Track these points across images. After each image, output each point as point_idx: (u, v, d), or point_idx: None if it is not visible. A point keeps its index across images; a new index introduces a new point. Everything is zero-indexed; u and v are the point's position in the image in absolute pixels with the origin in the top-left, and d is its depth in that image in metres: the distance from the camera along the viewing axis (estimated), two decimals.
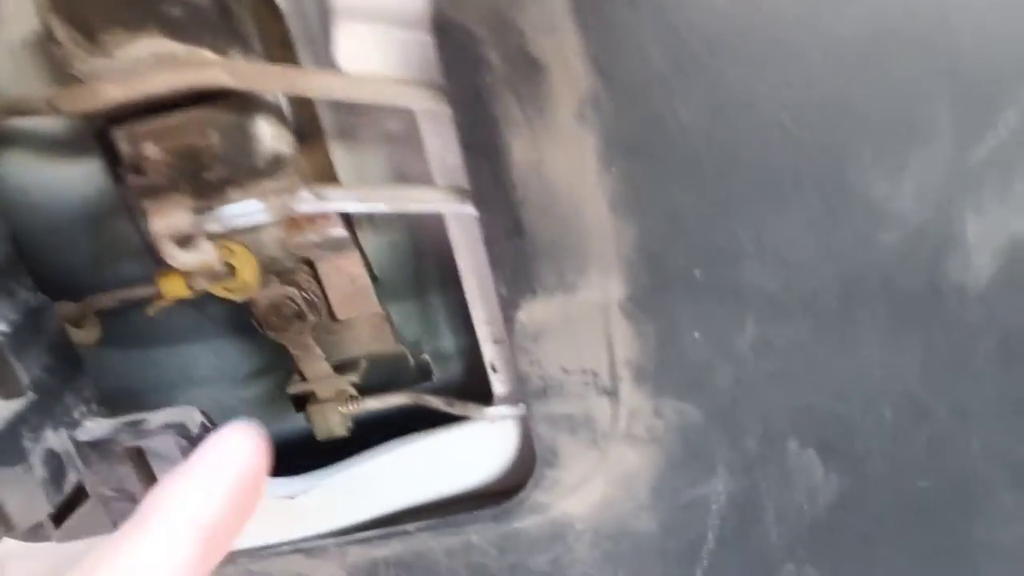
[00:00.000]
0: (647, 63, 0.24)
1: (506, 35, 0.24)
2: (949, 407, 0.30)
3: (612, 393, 0.29)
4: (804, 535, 0.32)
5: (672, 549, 0.32)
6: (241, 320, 0.38)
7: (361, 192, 0.28)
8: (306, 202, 0.27)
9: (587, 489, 0.31)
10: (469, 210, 0.27)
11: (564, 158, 0.26)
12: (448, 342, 0.40)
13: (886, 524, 0.32)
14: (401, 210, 0.28)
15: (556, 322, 0.28)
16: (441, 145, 0.28)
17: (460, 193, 0.28)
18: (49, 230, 0.34)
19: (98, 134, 0.32)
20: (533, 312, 0.28)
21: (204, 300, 0.37)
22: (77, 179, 0.33)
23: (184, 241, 0.26)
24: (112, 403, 0.31)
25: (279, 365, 0.37)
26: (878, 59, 0.25)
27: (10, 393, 0.25)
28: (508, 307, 0.28)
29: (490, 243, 0.27)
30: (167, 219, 0.26)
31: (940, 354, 0.29)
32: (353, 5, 0.27)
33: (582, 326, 0.28)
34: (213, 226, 0.28)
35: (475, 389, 0.38)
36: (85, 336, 0.31)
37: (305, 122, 0.32)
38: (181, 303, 0.32)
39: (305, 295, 0.33)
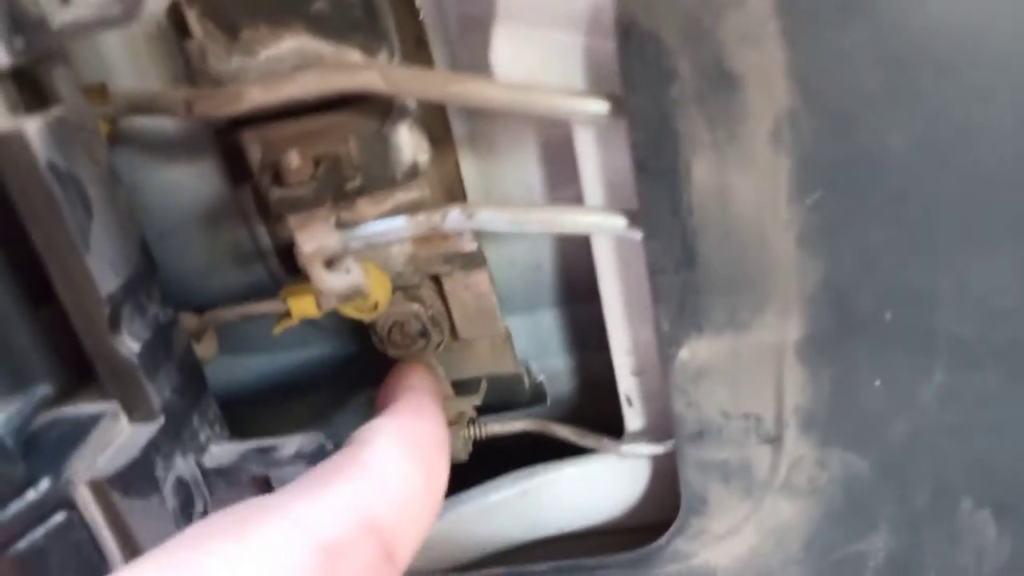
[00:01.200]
0: (858, 84, 0.22)
1: (701, 45, 0.21)
2: None
3: (775, 441, 0.27)
4: None
5: None
6: (348, 330, 0.37)
7: (513, 211, 0.25)
8: (456, 221, 0.25)
9: (735, 540, 0.29)
10: (632, 234, 0.25)
11: (752, 184, 0.23)
12: (558, 361, 0.37)
13: None
14: (556, 231, 0.26)
15: (722, 363, 0.26)
16: (600, 161, 0.26)
17: (623, 214, 0.25)
18: (160, 234, 0.32)
19: (217, 133, 0.31)
20: (697, 351, 0.25)
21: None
22: (191, 181, 0.31)
23: (332, 262, 0.24)
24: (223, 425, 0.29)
25: None
26: None
27: (143, 417, 0.24)
28: (669, 343, 0.25)
29: (656, 273, 0.25)
30: (316, 238, 0.24)
31: None
32: (516, 5, 0.24)
33: (751, 368, 0.26)
34: (355, 243, 0.26)
35: (585, 411, 0.36)
36: (204, 351, 0.29)
37: (434, 127, 0.30)
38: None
39: (429, 312, 0.31)
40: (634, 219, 0.25)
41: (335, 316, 0.35)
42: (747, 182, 0.23)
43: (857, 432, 0.26)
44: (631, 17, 0.21)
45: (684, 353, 0.25)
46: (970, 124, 0.22)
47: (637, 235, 0.25)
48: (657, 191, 0.23)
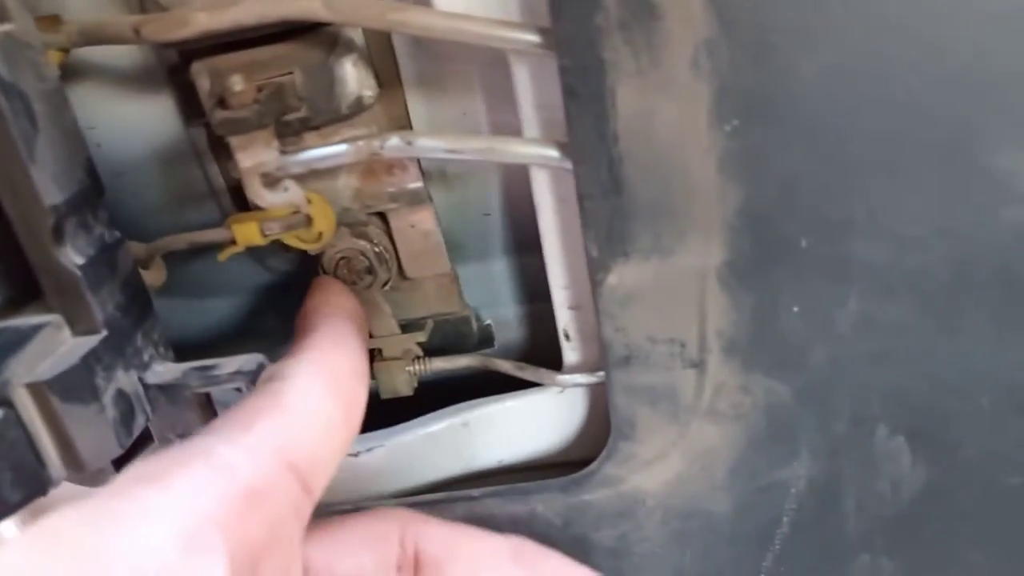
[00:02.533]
0: (773, 12, 0.23)
1: None
2: None
3: (699, 366, 0.28)
4: (884, 525, 0.31)
5: (744, 532, 0.31)
6: (303, 275, 0.37)
7: (451, 140, 0.26)
8: (395, 148, 0.26)
9: (663, 465, 0.30)
10: (564, 164, 0.26)
11: (674, 111, 0.24)
12: (509, 310, 0.38)
13: (971, 520, 0.31)
14: (492, 159, 0.27)
15: (647, 287, 0.27)
16: (536, 94, 0.27)
17: (556, 146, 0.26)
18: (114, 170, 0.33)
19: (171, 71, 0.31)
20: (624, 276, 0.27)
21: (267, 252, 0.36)
22: (145, 118, 0.32)
23: (271, 181, 0.25)
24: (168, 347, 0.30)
25: None
26: (1018, 30, 0.23)
27: (85, 330, 0.24)
28: (598, 269, 0.27)
29: (585, 199, 0.26)
30: (255, 156, 0.24)
31: None
32: None
33: (675, 293, 0.27)
34: (296, 168, 0.27)
35: (533, 358, 0.37)
36: (152, 279, 0.30)
37: (383, 67, 0.31)
38: (244, 253, 0.31)
39: (376, 249, 0.32)
40: (565, 149, 0.26)
41: (286, 258, 0.36)
42: (669, 108, 0.24)
43: (777, 358, 0.28)
44: None
45: (612, 279, 0.27)
46: (881, 54, 0.23)
47: (569, 165, 0.26)
48: (585, 118, 0.24)
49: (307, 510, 0.22)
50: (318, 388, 0.24)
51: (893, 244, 0.26)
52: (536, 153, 0.27)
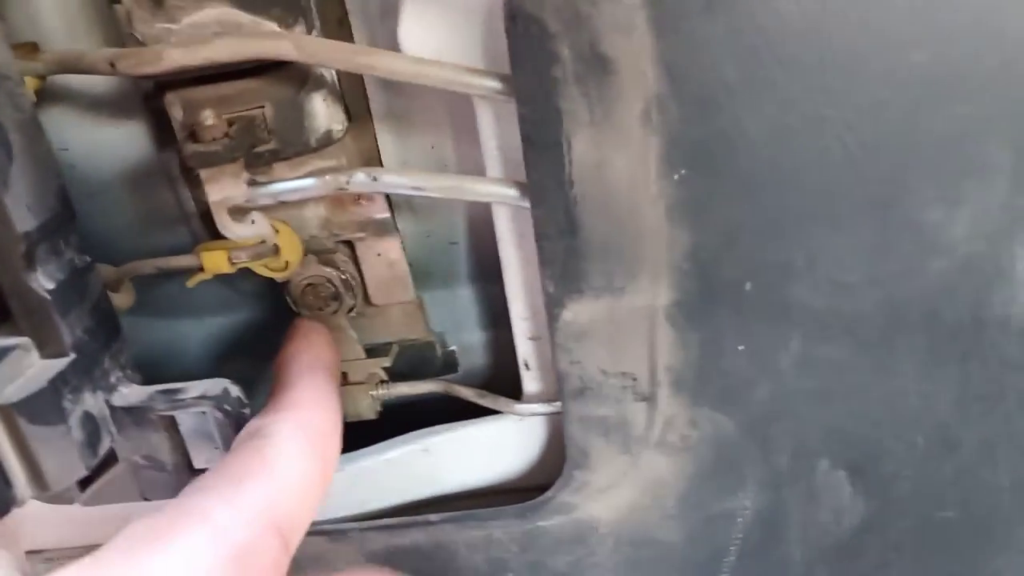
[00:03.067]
0: (717, 73, 0.24)
1: (579, 31, 0.24)
2: (979, 440, 0.30)
3: (649, 399, 0.29)
4: (826, 554, 0.32)
5: (693, 560, 0.32)
6: (270, 297, 0.38)
7: (416, 177, 0.28)
8: (361, 183, 0.27)
9: (615, 493, 0.31)
10: (523, 203, 0.27)
11: (626, 160, 0.25)
12: (473, 336, 0.39)
13: (907, 550, 0.32)
14: (456, 197, 0.28)
15: (600, 323, 0.28)
16: (498, 137, 0.28)
17: (515, 186, 0.28)
18: (87, 192, 0.33)
19: (145, 98, 0.32)
20: (578, 312, 0.28)
21: (236, 275, 0.37)
22: (118, 142, 0.33)
23: (238, 213, 0.26)
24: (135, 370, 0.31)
25: None
26: (947, 95, 0.25)
27: (53, 353, 0.25)
28: (554, 304, 0.28)
29: (541, 239, 0.27)
30: (224, 189, 0.25)
31: (976, 387, 0.29)
32: None
33: (626, 329, 0.28)
34: (264, 200, 0.28)
35: (496, 385, 0.38)
36: (120, 301, 0.31)
37: (354, 102, 0.32)
38: (213, 277, 0.32)
39: (343, 276, 0.33)
40: (525, 191, 0.27)
41: (256, 282, 0.37)
42: (621, 158, 0.25)
43: (724, 394, 0.29)
44: (518, 3, 0.24)
45: (567, 314, 0.28)
46: (819, 114, 0.25)
47: (528, 204, 0.27)
48: (542, 163, 0.26)
49: (285, 567, 0.23)
50: (301, 450, 0.25)
51: (830, 289, 0.27)
52: (497, 192, 0.28)
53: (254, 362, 0.40)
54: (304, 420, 0.26)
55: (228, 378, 0.28)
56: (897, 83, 0.24)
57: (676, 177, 0.25)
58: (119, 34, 0.30)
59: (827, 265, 0.27)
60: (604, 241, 0.27)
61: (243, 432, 0.26)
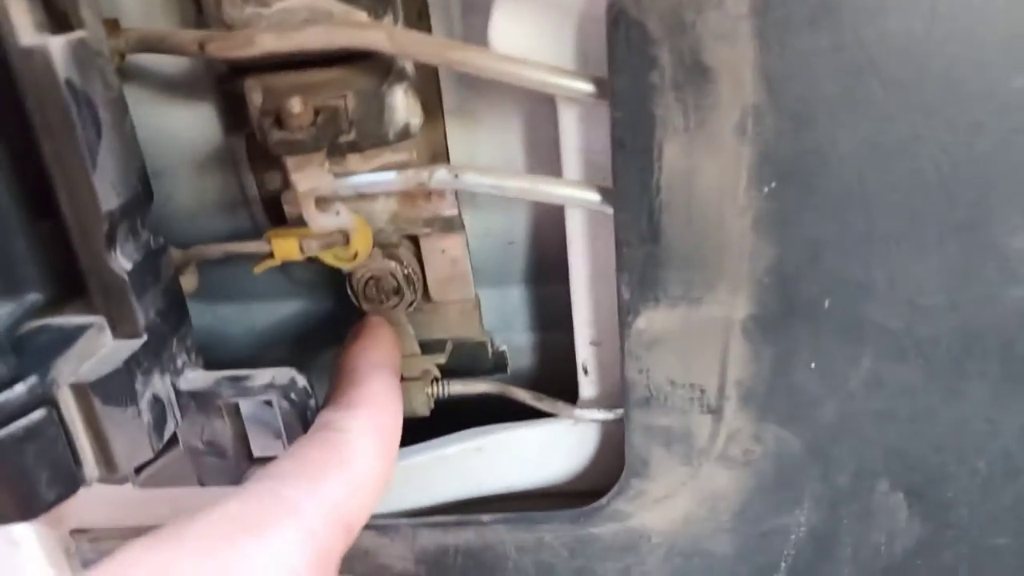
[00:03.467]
0: (817, 87, 0.24)
1: (682, 38, 0.24)
2: None
3: (716, 411, 0.29)
4: None
5: (742, 574, 0.32)
6: (324, 286, 0.38)
7: (496, 176, 0.27)
8: (441, 180, 0.27)
9: (671, 504, 0.31)
10: (604, 208, 0.27)
11: (716, 169, 0.25)
12: (522, 337, 0.39)
13: (960, 575, 0.32)
14: (533, 198, 0.28)
15: (674, 333, 0.28)
16: (581, 139, 0.28)
17: (596, 189, 0.27)
18: (153, 172, 0.33)
19: (217, 80, 0.32)
20: (652, 320, 0.28)
21: (295, 264, 0.36)
22: (186, 124, 0.33)
23: (323, 203, 0.26)
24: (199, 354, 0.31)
25: None
26: None
27: (128, 333, 0.25)
28: (627, 311, 0.28)
29: (622, 244, 0.27)
30: (311, 179, 0.25)
31: None
32: None
33: (699, 341, 0.28)
34: (345, 191, 0.27)
35: (541, 387, 0.38)
36: (186, 284, 0.31)
37: (426, 96, 0.32)
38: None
39: (405, 271, 0.33)
40: (606, 195, 0.27)
41: (313, 270, 0.37)
42: (711, 167, 0.25)
43: (791, 410, 0.29)
44: (621, 6, 0.23)
45: (640, 321, 0.28)
46: (913, 134, 0.25)
47: (608, 210, 0.27)
48: (631, 168, 0.26)
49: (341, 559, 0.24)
50: (374, 447, 0.25)
51: (908, 311, 0.27)
52: (577, 196, 0.28)
53: (302, 350, 0.39)
54: (376, 418, 0.26)
55: (285, 365, 0.28)
56: (995, 107, 0.24)
57: (766, 189, 0.25)
58: (198, 16, 0.30)
59: (907, 287, 0.27)
60: (686, 250, 0.26)
61: (317, 422, 0.25)
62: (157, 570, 0.19)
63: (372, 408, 0.26)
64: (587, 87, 0.26)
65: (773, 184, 0.25)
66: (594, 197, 0.27)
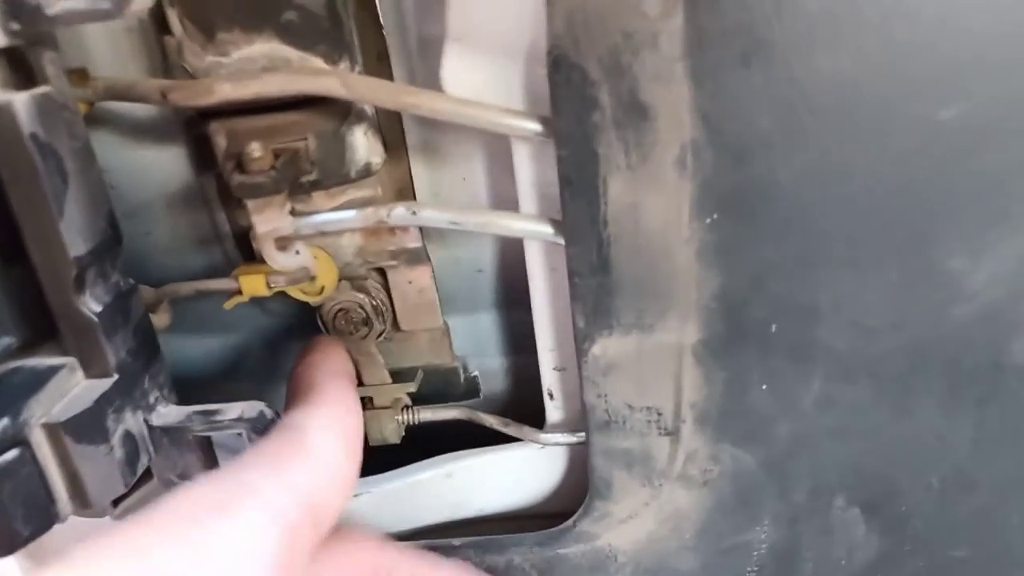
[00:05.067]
0: (752, 122, 0.25)
1: (620, 79, 0.25)
2: (994, 483, 0.31)
3: (673, 433, 0.30)
4: None
5: None
6: (298, 318, 0.39)
7: (453, 212, 0.28)
8: (400, 217, 0.28)
9: (635, 524, 0.32)
10: (557, 240, 0.28)
11: (660, 203, 0.26)
12: (494, 362, 0.40)
13: None
14: (491, 232, 0.29)
15: (628, 359, 0.29)
16: (534, 175, 0.29)
17: (550, 223, 0.28)
18: (124, 212, 0.34)
19: (186, 124, 0.33)
20: (607, 347, 0.29)
21: (268, 298, 0.37)
22: (158, 165, 0.34)
23: (283, 243, 0.27)
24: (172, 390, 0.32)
25: None
26: (973, 149, 0.25)
27: (98, 373, 0.26)
28: (583, 339, 0.29)
29: (574, 275, 0.28)
30: (271, 221, 0.26)
31: (993, 431, 0.30)
32: (467, 31, 0.27)
33: (653, 366, 0.29)
34: (306, 230, 0.28)
35: (514, 410, 0.39)
36: (157, 321, 0.32)
37: (390, 134, 0.33)
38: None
39: (373, 303, 0.34)
40: (559, 227, 0.28)
41: (283, 303, 0.38)
42: (655, 201, 0.26)
43: (745, 430, 0.30)
44: (562, 50, 0.25)
45: (596, 348, 0.29)
46: (850, 163, 0.26)
47: (561, 241, 0.28)
48: (578, 203, 0.27)
49: (311, 553, 0.24)
50: (334, 442, 0.26)
51: (854, 333, 0.28)
52: (532, 229, 0.29)
53: (275, 380, 0.40)
54: (336, 416, 0.26)
55: (256, 398, 0.29)
56: (925, 136, 0.25)
57: (708, 221, 0.26)
58: (164, 63, 0.31)
59: (851, 309, 0.28)
60: (636, 280, 0.27)
61: (276, 426, 0.26)
62: (125, 553, 0.19)
63: (331, 407, 0.27)
64: (535, 126, 0.27)
65: (715, 215, 0.26)
66: (547, 230, 0.28)
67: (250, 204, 0.27)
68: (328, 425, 0.26)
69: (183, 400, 0.31)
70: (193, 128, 0.33)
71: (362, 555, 0.28)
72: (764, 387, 0.29)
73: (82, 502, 0.25)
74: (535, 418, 0.35)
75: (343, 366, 0.30)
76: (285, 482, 0.23)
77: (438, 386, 0.38)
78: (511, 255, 0.36)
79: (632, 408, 0.30)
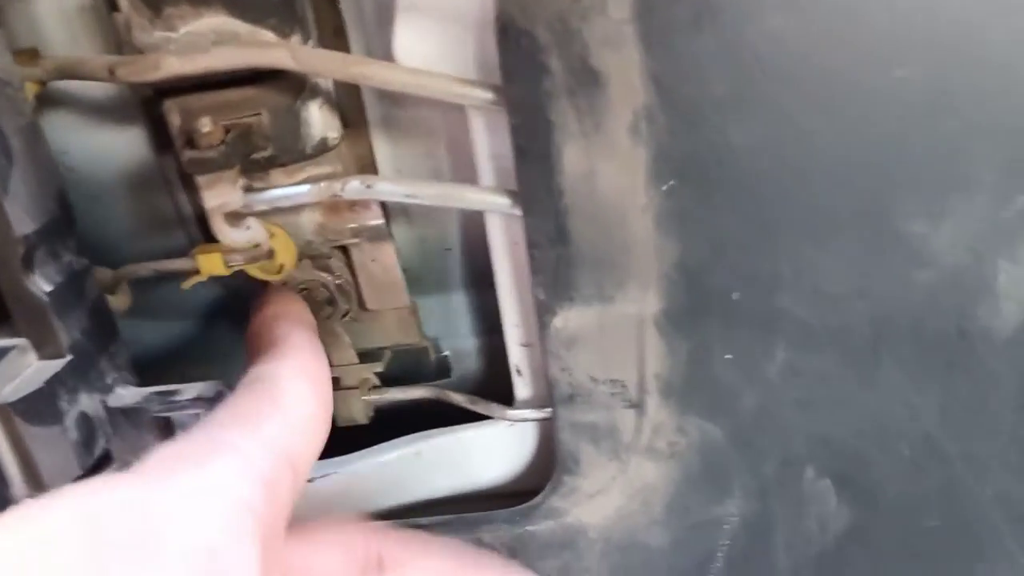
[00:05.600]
0: (705, 86, 0.25)
1: (570, 44, 0.24)
2: (964, 451, 0.30)
3: (638, 406, 0.30)
4: (811, 563, 0.32)
5: (680, 566, 0.33)
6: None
7: (409, 185, 0.28)
8: (355, 191, 0.28)
9: (604, 499, 0.31)
10: (515, 212, 0.28)
11: (615, 171, 0.26)
12: (467, 342, 0.40)
13: (891, 559, 0.33)
14: (448, 205, 0.28)
15: (590, 331, 0.28)
16: (490, 146, 0.29)
17: (507, 194, 0.28)
18: (86, 195, 0.34)
19: (144, 103, 0.33)
20: (568, 319, 0.28)
21: (232, 278, 0.37)
22: (117, 147, 0.33)
23: (234, 219, 0.26)
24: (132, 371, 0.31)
25: None
26: (931, 111, 0.25)
27: (50, 354, 0.25)
28: (544, 312, 0.28)
29: (533, 247, 0.27)
30: (220, 195, 0.26)
31: (961, 398, 0.29)
32: (416, 0, 0.27)
33: (615, 337, 0.28)
34: (260, 206, 0.28)
35: (489, 390, 0.39)
36: (117, 303, 0.31)
37: (350, 109, 0.32)
38: (211, 278, 0.32)
39: (337, 281, 0.33)
40: (517, 200, 0.28)
41: (246, 284, 0.37)
42: (610, 168, 0.26)
43: (711, 402, 0.29)
44: (509, 16, 0.24)
45: (558, 321, 0.28)
46: (806, 128, 0.25)
47: (519, 212, 0.28)
48: (533, 173, 0.26)
49: (293, 502, 0.23)
50: (306, 391, 0.25)
51: (817, 300, 0.28)
52: (490, 201, 0.28)
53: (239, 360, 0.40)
54: (304, 363, 0.26)
55: (224, 379, 0.28)
56: (880, 98, 0.25)
57: (664, 188, 0.26)
58: (118, 41, 0.30)
59: (814, 276, 0.27)
60: (594, 250, 0.27)
61: (245, 379, 0.26)
62: (86, 503, 0.18)
63: (298, 356, 0.26)
64: (487, 95, 0.26)
65: (672, 182, 0.26)
66: (505, 201, 0.28)
67: (200, 180, 0.26)
68: (298, 374, 0.26)
69: (148, 383, 0.30)
70: (152, 108, 0.32)
71: (352, 537, 0.28)
72: (728, 357, 0.29)
73: (36, 484, 0.25)
74: (509, 397, 0.35)
75: (303, 315, 0.30)
76: (261, 437, 0.23)
77: (409, 366, 0.38)
78: (479, 233, 0.36)
79: (596, 381, 0.29)
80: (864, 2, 0.24)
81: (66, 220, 0.27)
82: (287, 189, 0.28)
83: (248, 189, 0.28)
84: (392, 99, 0.32)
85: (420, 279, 0.37)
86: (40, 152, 0.26)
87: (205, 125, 0.26)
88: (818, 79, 0.25)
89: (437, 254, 0.37)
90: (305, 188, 0.28)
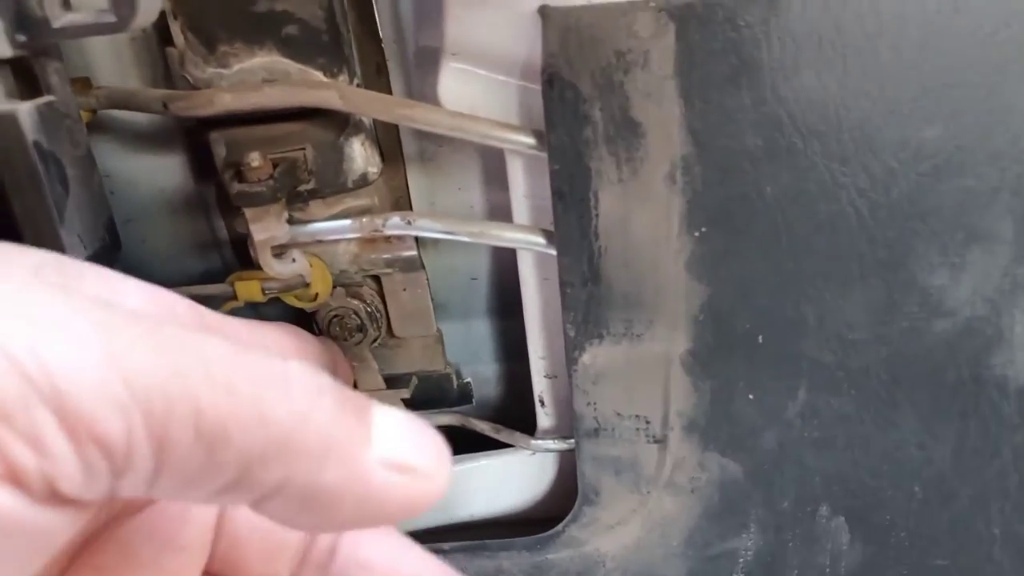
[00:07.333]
0: (740, 141, 0.26)
1: (612, 96, 0.25)
2: (974, 493, 0.31)
3: (661, 441, 0.30)
4: None
5: None
6: (294, 322, 0.39)
7: (447, 222, 0.29)
8: (396, 227, 0.28)
9: (623, 530, 0.32)
10: (549, 251, 0.29)
11: (649, 216, 0.27)
12: (488, 368, 0.41)
13: None
14: (484, 242, 0.29)
15: (617, 368, 0.29)
16: (526, 186, 0.30)
17: (542, 233, 0.29)
18: (124, 218, 0.35)
19: (186, 132, 0.33)
20: (597, 355, 0.29)
21: (262, 302, 0.38)
22: (158, 171, 0.34)
23: (280, 251, 0.27)
24: None
25: None
26: (955, 168, 0.26)
27: None
28: (573, 348, 0.29)
29: (566, 285, 0.28)
30: (268, 229, 0.27)
31: (973, 442, 0.30)
32: (464, 46, 0.28)
33: (642, 375, 0.29)
34: (303, 238, 0.29)
35: (507, 416, 0.39)
36: None
37: (387, 144, 0.33)
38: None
39: (368, 309, 0.34)
40: (551, 238, 0.29)
41: (279, 309, 0.38)
42: (645, 214, 0.27)
43: (732, 439, 0.30)
44: (556, 68, 0.25)
45: (586, 357, 0.29)
46: (831, 181, 0.26)
47: (553, 252, 0.29)
48: (570, 216, 0.27)
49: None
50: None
51: (838, 345, 0.29)
52: (525, 239, 0.29)
53: None
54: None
55: None
56: (908, 155, 0.26)
57: (697, 234, 0.27)
58: (166, 72, 0.31)
59: (836, 323, 0.28)
60: (625, 290, 0.28)
61: None
62: None
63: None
64: (529, 140, 0.27)
65: (703, 229, 0.27)
66: (540, 240, 0.29)
67: (248, 212, 0.27)
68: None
69: None
70: (193, 136, 0.33)
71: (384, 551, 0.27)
72: (750, 397, 0.29)
73: None
74: (527, 424, 0.36)
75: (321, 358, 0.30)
76: None
77: (431, 392, 0.38)
78: (505, 264, 0.37)
79: (621, 416, 0.30)
80: (896, 64, 0.25)
81: (115, 246, 0.28)
82: (330, 223, 0.29)
83: (290, 221, 0.29)
84: (428, 136, 0.33)
85: (446, 307, 0.38)
86: (94, 182, 0.27)
87: (255, 160, 0.27)
88: (848, 135, 0.26)
89: (464, 283, 0.37)
90: (347, 222, 0.29)
